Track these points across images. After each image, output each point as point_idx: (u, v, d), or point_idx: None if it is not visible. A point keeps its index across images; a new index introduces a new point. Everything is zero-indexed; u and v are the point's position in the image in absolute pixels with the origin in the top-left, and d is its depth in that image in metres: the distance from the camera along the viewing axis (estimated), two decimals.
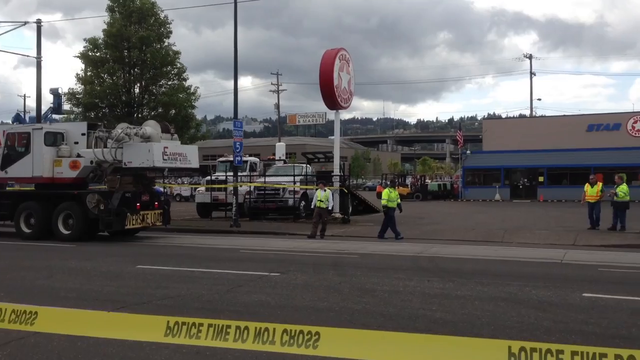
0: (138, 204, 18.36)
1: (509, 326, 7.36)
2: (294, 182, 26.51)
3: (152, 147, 18.03)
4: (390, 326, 7.43)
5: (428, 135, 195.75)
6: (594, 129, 51.55)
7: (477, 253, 15.49)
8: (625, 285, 10.39)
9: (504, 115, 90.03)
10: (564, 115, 63.34)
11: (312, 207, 19.90)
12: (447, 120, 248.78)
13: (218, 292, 9.77)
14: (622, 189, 21.50)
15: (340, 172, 27.26)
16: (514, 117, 65.06)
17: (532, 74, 71.21)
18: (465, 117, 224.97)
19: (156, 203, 19.43)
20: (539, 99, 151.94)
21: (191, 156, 19.76)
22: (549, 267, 12.89)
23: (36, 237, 18.56)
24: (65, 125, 21.21)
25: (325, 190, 20.41)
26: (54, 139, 19.39)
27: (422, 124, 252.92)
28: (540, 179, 47.70)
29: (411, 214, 31.27)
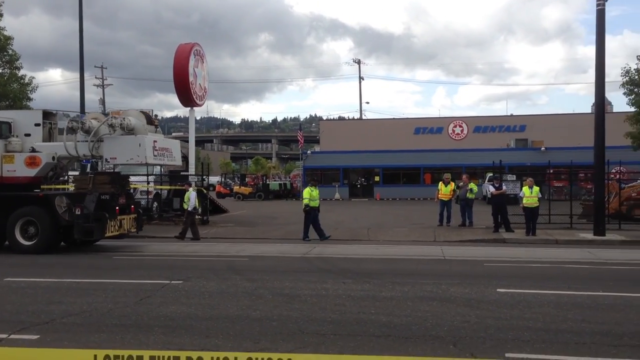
0: (117, 208, 15.64)
1: (460, 327, 7.40)
2: (147, 182, 25.02)
3: (143, 141, 15.58)
4: (344, 333, 7.16)
5: (254, 135, 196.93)
6: (421, 131, 55.31)
7: (360, 252, 15.68)
8: (528, 280, 10.99)
9: (324, 117, 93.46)
10: (394, 118, 67.23)
11: (189, 208, 18.71)
12: (270, 121, 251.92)
13: (127, 305, 8.79)
14: (473, 187, 23.10)
15: (199, 171, 26.28)
16: (348, 119, 67.66)
17: (360, 78, 74.44)
18: (288, 117, 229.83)
19: (132, 206, 16.72)
20: (367, 102, 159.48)
21: (175, 152, 17.51)
22: (441, 264, 13.41)
23: None
24: (12, 114, 17.23)
25: (188, 191, 19.49)
26: None
27: (246, 124, 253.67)
28: (376, 178, 50.05)
29: (262, 214, 31.11)
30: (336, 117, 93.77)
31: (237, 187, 52.51)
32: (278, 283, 10.53)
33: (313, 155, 52.40)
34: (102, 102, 66.43)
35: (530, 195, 19.85)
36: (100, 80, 66.00)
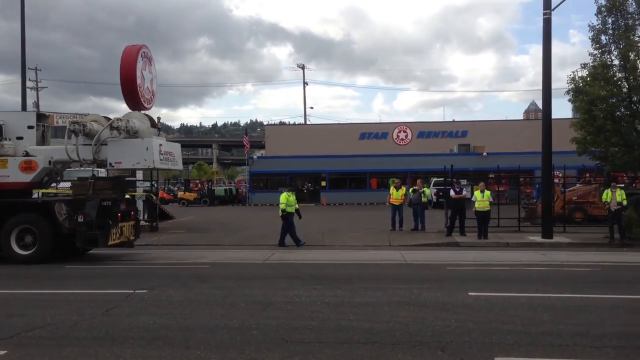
0: (119, 214, 14.86)
1: (443, 332, 7.40)
2: None
3: (151, 145, 14.86)
4: (329, 341, 7.03)
5: (194, 140, 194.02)
6: (366, 137, 55.77)
7: (321, 257, 15.58)
8: (495, 283, 11.15)
9: (265, 122, 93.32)
10: (339, 124, 67.57)
11: None
12: (210, 126, 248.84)
13: (94, 316, 8.40)
14: (426, 191, 23.39)
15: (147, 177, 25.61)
16: (289, 124, 67.53)
17: (305, 83, 74.52)
18: (229, 122, 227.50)
19: (132, 213, 15.90)
20: (312, 107, 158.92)
21: (177, 156, 16.66)
22: (405, 268, 13.47)
23: None
24: (3, 116, 15.98)
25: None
26: None
27: (186, 129, 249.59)
28: (323, 183, 50.14)
29: (212, 220, 30.62)
30: (277, 122, 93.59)
31: (182, 193, 51.58)
32: (248, 290, 10.30)
33: (259, 160, 52.05)
34: (37, 105, 64.07)
35: (482, 199, 20.26)
36: (35, 82, 63.68)
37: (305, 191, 50.04)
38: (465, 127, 55.08)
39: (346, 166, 49.31)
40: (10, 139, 15.30)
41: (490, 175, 41.99)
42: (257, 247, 18.27)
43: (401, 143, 55.03)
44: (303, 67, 75.40)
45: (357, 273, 12.61)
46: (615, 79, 20.16)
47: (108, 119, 15.88)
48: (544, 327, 7.62)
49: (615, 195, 18.94)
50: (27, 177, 15.00)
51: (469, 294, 9.84)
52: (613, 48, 20.34)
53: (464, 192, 22.01)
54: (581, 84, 20.61)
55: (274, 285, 10.83)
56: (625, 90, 19.97)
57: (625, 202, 19.15)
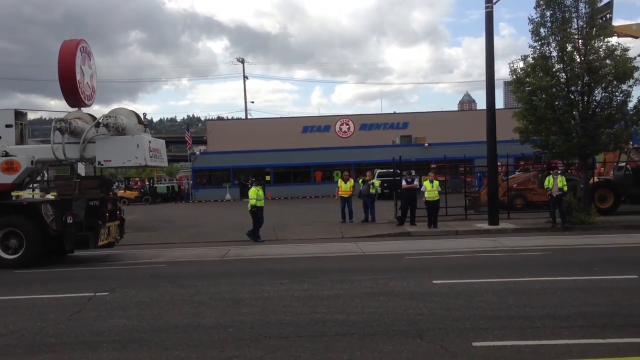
0: (107, 214, 14.37)
1: (417, 320, 7.54)
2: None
3: (141, 142, 14.30)
4: (307, 334, 7.05)
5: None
6: (309, 130, 55.91)
7: (278, 252, 15.55)
8: (455, 270, 11.38)
9: (203, 117, 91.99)
10: (281, 118, 67.33)
11: None
12: (146, 122, 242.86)
13: (59, 322, 8.15)
14: (375, 183, 23.66)
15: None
16: (235, 119, 66.94)
17: (245, 77, 73.89)
18: (165, 118, 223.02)
19: (117, 212, 15.39)
20: (253, 102, 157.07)
21: (163, 153, 15.95)
22: (364, 260, 13.61)
23: None
24: None
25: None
26: None
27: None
28: (267, 177, 49.93)
29: (157, 218, 30.13)
30: (215, 117, 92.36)
31: (122, 191, 50.32)
32: (213, 288, 10.20)
33: (202, 156, 51.33)
34: None
35: (431, 189, 20.68)
36: None
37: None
38: (406, 118, 55.99)
39: (290, 160, 49.29)
40: None
41: (432, 165, 42.90)
42: (210, 244, 18.10)
43: (344, 135, 55.44)
44: (243, 61, 74.70)
45: (318, 266, 12.66)
46: (554, 70, 20.87)
47: (92, 116, 15.39)
48: (511, 310, 7.87)
49: (556, 182, 19.68)
50: (9, 179, 14.40)
51: (434, 282, 10.05)
52: (551, 40, 21.03)
53: (415, 183, 22.41)
54: (522, 75, 21.23)
55: (239, 282, 10.75)
56: (563, 80, 20.70)
57: (565, 188, 19.93)
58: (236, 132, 55.90)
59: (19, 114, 15.37)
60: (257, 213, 18.60)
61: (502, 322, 7.27)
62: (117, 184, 64.02)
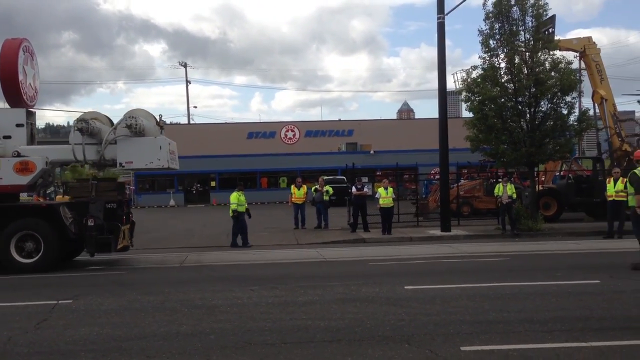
0: (123, 217, 14.13)
1: (400, 325, 7.54)
2: None
3: (163, 143, 14.09)
4: (293, 341, 6.95)
5: (62, 140, 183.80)
6: (254, 136, 55.59)
7: (239, 258, 15.33)
8: (423, 276, 11.47)
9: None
10: (227, 123, 66.64)
11: None
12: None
13: (27, 331, 7.75)
14: (329, 190, 23.71)
15: None
16: (177, 124, 65.70)
17: (187, 81, 72.83)
18: None
19: (130, 215, 15.02)
20: (195, 107, 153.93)
21: (176, 155, 15.52)
22: (328, 266, 13.58)
23: None
24: None
25: None
26: None
27: (52, 129, 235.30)
28: (212, 183, 49.32)
29: None
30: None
31: (60, 196, 48.50)
32: (182, 295, 9.94)
33: None
34: None
35: (386, 195, 20.88)
36: None
37: (194, 192, 48.99)
38: (351, 126, 56.47)
39: (235, 166, 48.84)
40: None
41: (378, 173, 43.38)
42: (165, 251, 17.72)
43: (289, 142, 55.39)
44: (185, 66, 73.57)
45: (284, 272, 12.54)
46: (503, 80, 21.50)
47: (107, 117, 15.01)
48: (490, 315, 7.99)
49: (506, 190, 20.24)
50: (24, 180, 13.80)
51: (405, 287, 10.11)
52: (500, 52, 21.67)
53: (365, 190, 22.58)
54: (473, 85, 21.76)
55: (208, 288, 10.52)
56: (511, 91, 21.34)
57: (515, 196, 20.53)
58: (180, 137, 54.40)
59: (29, 113, 14.93)
60: (238, 218, 18.52)
61: (484, 327, 7.37)
62: (54, 188, 61.85)
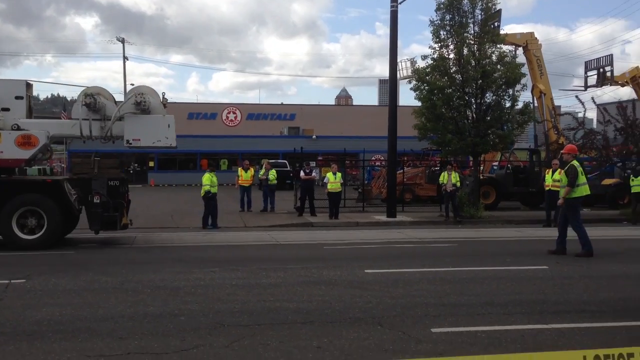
0: (125, 194, 13.93)
1: (368, 308, 7.66)
2: None
3: (171, 122, 13.85)
4: (266, 323, 6.96)
5: None
6: (194, 117, 54.64)
7: (191, 240, 15.17)
8: (381, 260, 11.64)
9: (69, 97, 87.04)
10: (165, 103, 65.08)
11: None
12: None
13: None
14: (273, 173, 23.66)
15: None
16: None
17: (125, 58, 70.59)
18: None
19: (128, 193, 14.57)
20: (132, 84, 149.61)
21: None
22: (284, 249, 13.63)
23: None
24: None
25: None
26: None
27: None
28: (151, 164, 48.26)
29: None
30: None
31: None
32: (141, 276, 9.77)
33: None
34: None
35: (334, 180, 21.05)
36: None
37: (131, 172, 47.80)
38: (294, 110, 56.41)
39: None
40: None
41: (319, 158, 43.60)
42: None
43: (230, 124, 54.83)
44: (123, 41, 70.98)
45: (241, 255, 12.51)
46: (451, 71, 21.96)
47: (110, 93, 14.53)
48: (452, 298, 8.24)
49: (450, 178, 20.75)
50: (25, 154, 13.30)
51: (365, 271, 10.27)
52: (450, 43, 22.10)
53: (314, 174, 22.69)
54: (423, 74, 22.13)
55: (167, 269, 10.36)
56: (458, 82, 21.84)
57: (459, 184, 21.09)
58: None
59: (28, 85, 14.16)
60: (210, 200, 18.36)
61: (449, 310, 7.60)
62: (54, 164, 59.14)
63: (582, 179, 12.18)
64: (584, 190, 12.18)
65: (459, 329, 6.76)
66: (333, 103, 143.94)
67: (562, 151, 16.70)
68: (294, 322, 6.98)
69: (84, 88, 14.16)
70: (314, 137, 48.66)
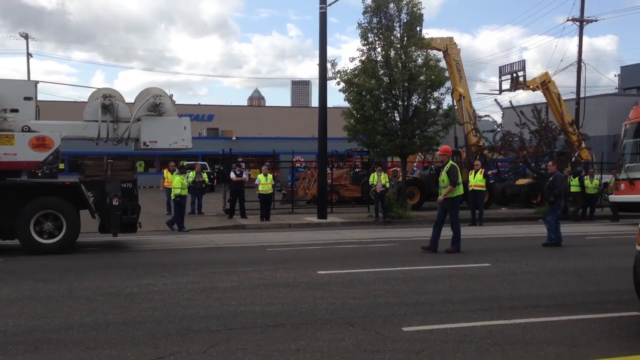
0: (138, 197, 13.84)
1: (334, 309, 7.66)
2: None
3: (187, 124, 14.08)
4: (237, 327, 6.83)
5: None
6: None
7: (127, 244, 14.62)
8: (328, 261, 11.69)
9: None
10: (76, 102, 62.20)
11: None
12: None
13: None
14: (204, 175, 23.27)
15: None
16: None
17: (29, 54, 66.90)
18: None
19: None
20: (37, 82, 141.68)
21: None
22: (227, 252, 13.48)
23: None
24: None
25: None
26: None
27: None
28: (61, 166, 45.99)
29: None
30: None
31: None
32: (88, 283, 9.32)
33: None
34: None
35: (265, 182, 20.95)
36: None
37: (39, 175, 45.47)
38: (211, 111, 55.64)
39: (86, 147, 45.93)
40: (6, 111, 13.03)
41: (240, 160, 43.18)
42: None
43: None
44: (27, 37, 67.65)
45: (186, 258, 12.25)
46: (379, 73, 22.37)
47: (120, 94, 14.13)
48: (412, 298, 8.39)
49: (380, 179, 21.14)
50: (40, 156, 13.10)
51: (318, 272, 10.28)
52: (377, 45, 22.53)
53: (244, 176, 22.48)
54: (351, 76, 22.42)
55: (113, 275, 9.96)
56: (386, 84, 22.28)
57: (388, 185, 21.52)
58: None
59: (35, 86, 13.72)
60: (180, 202, 18.14)
61: (413, 309, 7.73)
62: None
63: (460, 178, 13.22)
64: (461, 189, 13.18)
65: (429, 327, 6.88)
66: (246, 104, 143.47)
67: (437, 152, 17.72)
68: (265, 326, 6.88)
69: (94, 89, 14.08)
70: (234, 138, 48.16)
